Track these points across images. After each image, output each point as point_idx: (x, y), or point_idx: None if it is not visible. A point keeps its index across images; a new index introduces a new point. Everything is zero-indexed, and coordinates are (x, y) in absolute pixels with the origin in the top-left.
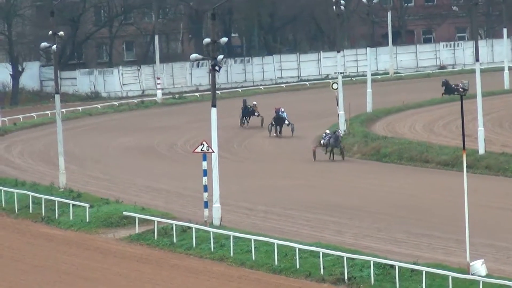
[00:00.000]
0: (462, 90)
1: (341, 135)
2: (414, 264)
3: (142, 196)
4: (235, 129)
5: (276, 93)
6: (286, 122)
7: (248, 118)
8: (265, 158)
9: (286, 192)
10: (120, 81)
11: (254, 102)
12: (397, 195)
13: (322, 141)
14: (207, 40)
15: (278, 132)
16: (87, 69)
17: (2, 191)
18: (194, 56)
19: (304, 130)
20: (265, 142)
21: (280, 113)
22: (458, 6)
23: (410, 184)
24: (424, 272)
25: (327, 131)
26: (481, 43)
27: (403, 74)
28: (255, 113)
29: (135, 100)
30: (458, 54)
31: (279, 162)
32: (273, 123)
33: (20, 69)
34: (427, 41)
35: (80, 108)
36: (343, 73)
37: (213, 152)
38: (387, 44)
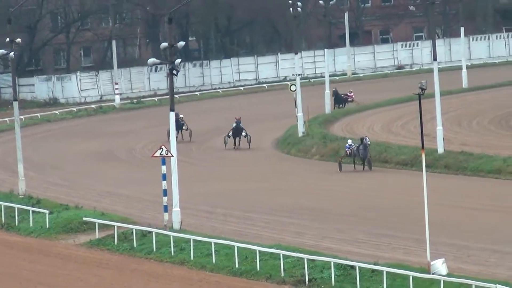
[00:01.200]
0: (422, 89)
1: (369, 142)
2: (375, 264)
3: (102, 201)
4: (194, 133)
5: (234, 96)
6: (244, 133)
7: (179, 132)
8: (224, 161)
9: (245, 195)
10: (78, 87)
11: (181, 115)
12: (357, 196)
13: (347, 151)
14: (164, 44)
15: (235, 144)
16: (45, 76)
17: None
18: (151, 60)
19: (263, 132)
20: (223, 145)
21: (240, 123)
22: (414, 6)
23: (369, 184)
24: (384, 272)
25: (350, 141)
26: (439, 42)
27: (361, 75)
28: (184, 127)
29: (93, 106)
30: (416, 54)
31: (238, 165)
32: (230, 134)
33: None
34: (384, 41)
35: (38, 114)
36: (301, 74)
37: (172, 156)
38: (344, 45)
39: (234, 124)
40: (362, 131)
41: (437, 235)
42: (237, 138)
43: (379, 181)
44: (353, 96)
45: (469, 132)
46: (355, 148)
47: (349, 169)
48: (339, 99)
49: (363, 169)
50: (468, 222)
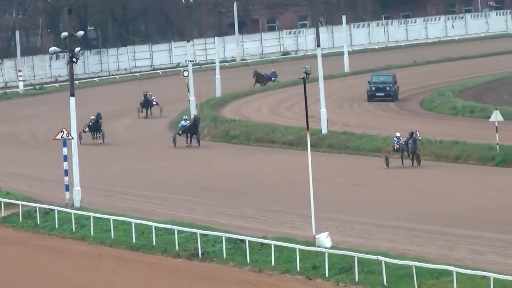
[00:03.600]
0: (306, 74)
1: (420, 138)
2: (263, 238)
3: (7, 181)
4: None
5: (131, 82)
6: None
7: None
8: (122, 143)
9: (141, 174)
10: None
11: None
12: (246, 174)
13: (395, 145)
14: (64, 34)
15: (189, 143)
16: None
17: None
18: (52, 49)
19: (158, 116)
20: (121, 127)
21: (198, 121)
22: None
23: (258, 163)
24: (272, 246)
25: (398, 134)
26: (322, 29)
27: (249, 61)
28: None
29: None
30: (301, 41)
31: (133, 146)
32: (180, 132)
33: None
34: (271, 29)
35: None
36: (193, 61)
37: (72, 138)
38: (233, 33)
39: (185, 122)
40: (250, 114)
41: (321, 211)
42: (194, 135)
43: (267, 160)
44: (154, 99)
45: (351, 113)
46: (403, 142)
47: (397, 164)
48: (147, 103)
49: (412, 164)
50: (351, 198)
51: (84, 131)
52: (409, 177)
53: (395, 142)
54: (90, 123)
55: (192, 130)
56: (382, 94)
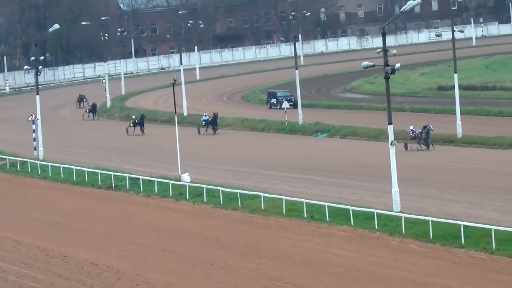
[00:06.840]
0: (174, 81)
1: (432, 129)
2: (150, 176)
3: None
4: (51, 107)
5: (72, 86)
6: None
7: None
8: (69, 121)
9: (79, 141)
10: None
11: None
12: (140, 140)
13: (411, 135)
14: (32, 58)
15: (207, 130)
16: None
17: None
18: (26, 67)
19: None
20: (67, 112)
21: (217, 117)
22: (170, 35)
23: (147, 133)
24: (155, 181)
25: (412, 127)
26: (184, 54)
27: (141, 73)
28: (134, 124)
29: None
30: (171, 61)
31: (76, 125)
32: (203, 124)
33: None
34: (153, 54)
35: None
36: (108, 73)
37: (38, 119)
38: (131, 57)
39: (205, 117)
40: (142, 104)
41: (185, 160)
42: (212, 127)
43: (152, 132)
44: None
45: (201, 103)
46: (418, 133)
47: (414, 147)
48: (93, 109)
49: (427, 148)
50: (202, 153)
51: (130, 126)
52: (233, 140)
53: (411, 133)
54: (136, 121)
55: (212, 123)
56: (291, 103)
